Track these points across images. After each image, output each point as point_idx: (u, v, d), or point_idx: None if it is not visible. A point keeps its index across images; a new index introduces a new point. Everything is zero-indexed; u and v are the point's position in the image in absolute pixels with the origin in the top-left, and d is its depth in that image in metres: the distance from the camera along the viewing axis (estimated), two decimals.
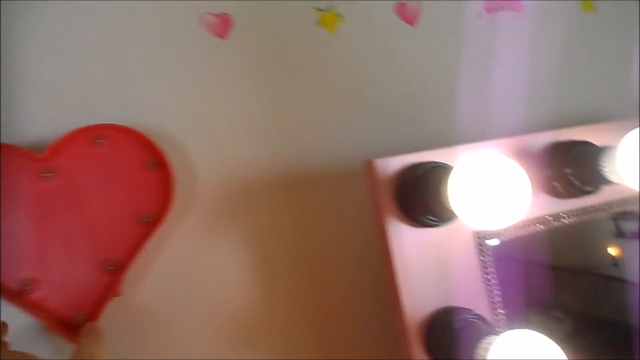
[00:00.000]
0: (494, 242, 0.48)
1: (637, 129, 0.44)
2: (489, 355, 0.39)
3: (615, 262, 0.65)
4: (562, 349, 0.38)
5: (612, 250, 0.65)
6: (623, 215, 0.63)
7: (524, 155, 0.50)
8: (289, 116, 0.59)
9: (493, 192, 0.38)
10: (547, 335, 0.39)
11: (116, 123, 0.52)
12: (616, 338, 0.61)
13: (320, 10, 0.61)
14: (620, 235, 0.63)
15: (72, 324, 0.50)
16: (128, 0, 0.55)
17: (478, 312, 0.47)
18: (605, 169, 0.45)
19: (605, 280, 0.63)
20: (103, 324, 0.50)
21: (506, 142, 0.49)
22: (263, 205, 0.58)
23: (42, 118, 0.52)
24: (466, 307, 0.47)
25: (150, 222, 0.53)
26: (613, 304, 0.63)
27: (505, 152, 0.47)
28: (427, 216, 0.45)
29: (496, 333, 0.43)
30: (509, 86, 0.60)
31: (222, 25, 0.59)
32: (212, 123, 0.58)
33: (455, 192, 0.39)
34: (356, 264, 0.58)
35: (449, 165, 0.45)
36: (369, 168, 0.48)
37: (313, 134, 0.59)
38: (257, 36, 0.59)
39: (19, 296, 0.48)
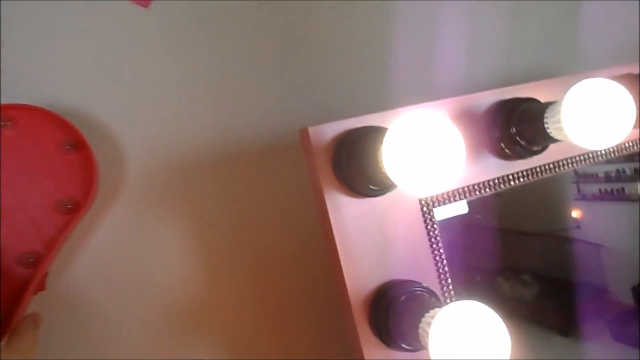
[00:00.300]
0: (441, 210, 0.46)
1: (581, 83, 0.41)
2: (431, 329, 0.37)
3: (577, 224, 0.64)
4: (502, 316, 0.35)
5: (575, 213, 0.65)
6: (584, 178, 0.62)
7: (468, 116, 0.47)
8: (220, 88, 0.55)
9: (427, 154, 0.35)
10: (493, 303, 0.37)
11: (23, 103, 0.47)
12: (580, 298, 0.61)
13: None
14: (581, 197, 0.63)
15: None
16: None
17: (425, 284, 0.44)
18: (549, 127, 0.43)
19: (568, 243, 0.62)
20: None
21: (449, 102, 0.46)
22: (198, 184, 0.54)
23: None
24: (413, 279, 0.45)
25: (71, 208, 0.48)
26: (576, 265, 0.63)
27: (448, 113, 0.44)
28: (367, 185, 0.42)
29: (441, 305, 0.40)
30: (452, 45, 0.56)
31: None
32: (136, 99, 0.53)
33: (390, 156, 0.36)
34: (301, 241, 0.55)
35: (385, 128, 0.42)
36: (304, 136, 0.44)
37: (246, 105, 0.55)
38: (181, 3, 0.54)
39: None
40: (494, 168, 0.49)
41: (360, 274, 0.44)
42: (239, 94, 0.55)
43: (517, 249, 0.63)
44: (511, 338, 0.36)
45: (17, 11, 0.49)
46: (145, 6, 0.54)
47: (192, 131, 0.54)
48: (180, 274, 0.53)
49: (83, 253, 0.51)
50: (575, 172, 0.62)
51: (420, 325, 0.39)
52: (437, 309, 0.38)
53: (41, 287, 0.47)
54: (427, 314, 0.39)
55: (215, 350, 0.53)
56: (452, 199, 0.46)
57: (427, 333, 0.37)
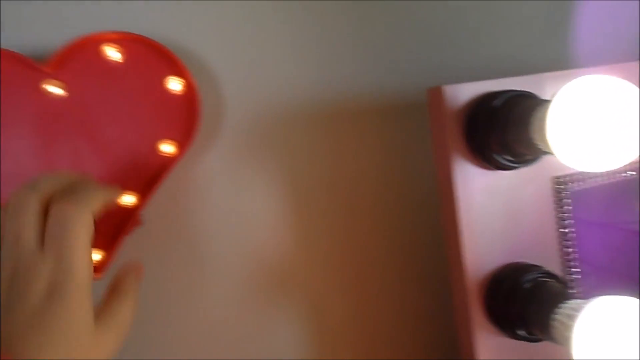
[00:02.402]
0: (578, 190, 0.41)
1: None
2: (577, 324, 0.33)
3: None
4: None
5: None
6: None
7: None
8: (336, 36, 0.50)
9: (605, 125, 0.30)
10: None
11: (133, 32, 0.44)
12: None
13: None
14: None
15: None
16: None
17: (550, 270, 0.40)
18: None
19: None
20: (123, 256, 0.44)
21: (619, 68, 0.40)
22: (301, 138, 0.50)
23: (46, 22, 0.44)
24: (536, 264, 0.41)
25: (171, 149, 0.46)
26: None
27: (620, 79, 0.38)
28: (504, 156, 0.38)
29: (576, 296, 0.36)
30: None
31: None
32: (243, 42, 0.49)
33: (557, 126, 0.31)
34: (406, 210, 0.52)
35: (536, 95, 0.37)
36: (434, 96, 0.40)
37: (364, 57, 0.50)
38: None
39: None
40: None
41: (481, 252, 0.40)
42: (358, 44, 0.50)
43: None
44: None
45: None
46: None
47: (300, 81, 0.50)
48: (272, 227, 0.50)
49: (177, 197, 0.49)
50: None
51: (556, 316, 0.35)
52: (579, 301, 0.34)
53: (137, 222, 0.46)
54: (564, 305, 0.35)
55: (300, 313, 0.51)
56: (591, 179, 0.41)
57: (566, 326, 0.33)
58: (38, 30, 0.44)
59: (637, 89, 0.30)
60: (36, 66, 0.42)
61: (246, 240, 0.50)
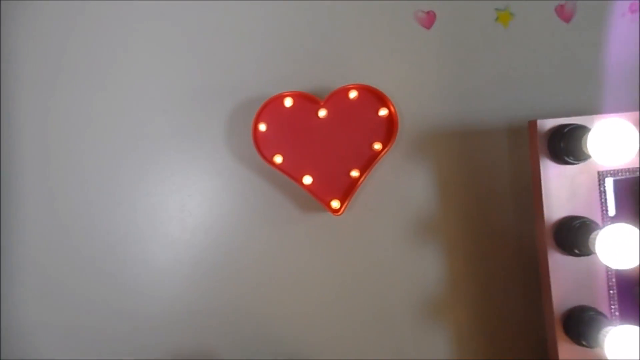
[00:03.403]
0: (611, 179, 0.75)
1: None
2: (598, 242, 0.67)
3: None
4: None
5: None
6: None
7: None
8: (470, 83, 0.87)
9: (616, 141, 0.65)
10: None
11: (362, 83, 0.83)
12: None
13: (498, 9, 0.87)
14: None
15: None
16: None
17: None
18: None
19: None
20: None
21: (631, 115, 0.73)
22: (444, 147, 0.87)
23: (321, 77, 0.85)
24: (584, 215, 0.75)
25: (378, 149, 0.84)
26: None
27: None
28: (569, 157, 0.72)
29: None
30: None
31: (428, 19, 0.87)
32: (415, 86, 0.87)
33: (593, 141, 0.66)
34: (510, 196, 0.87)
35: (585, 126, 0.72)
36: (532, 125, 0.75)
37: (487, 96, 0.87)
38: (452, 27, 0.87)
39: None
40: None
41: (553, 209, 0.75)
42: (483, 90, 0.87)
43: None
44: None
45: (355, 39, 0.86)
46: (427, 28, 0.87)
47: (446, 110, 0.87)
48: (423, 202, 0.87)
49: (372, 178, 0.87)
50: None
51: (591, 240, 0.69)
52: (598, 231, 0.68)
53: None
54: (594, 234, 0.69)
55: (436, 255, 0.88)
56: (623, 172, 0.75)
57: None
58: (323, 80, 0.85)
59: (632, 126, 0.65)
60: (316, 100, 0.83)
61: (408, 203, 0.87)
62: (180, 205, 0.86)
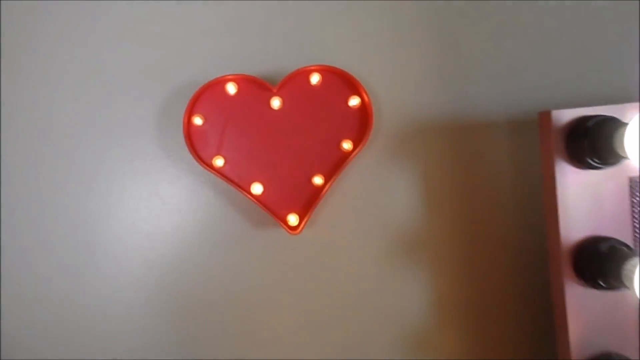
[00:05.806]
0: None
1: None
2: (636, 274, 0.50)
3: None
4: None
5: None
6: None
7: None
8: (466, 65, 0.69)
9: None
10: None
11: (327, 64, 0.65)
12: None
13: None
14: None
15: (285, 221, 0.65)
16: None
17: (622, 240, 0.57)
18: None
19: None
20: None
21: None
22: (433, 144, 0.70)
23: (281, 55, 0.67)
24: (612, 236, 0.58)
25: (350, 147, 0.66)
26: None
27: None
28: (593, 159, 0.55)
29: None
30: None
31: None
32: (395, 69, 0.69)
33: (632, 139, 0.49)
34: (513, 205, 0.70)
35: (617, 118, 0.54)
36: (544, 117, 0.58)
37: (486, 82, 0.69)
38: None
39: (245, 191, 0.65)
40: None
41: (572, 227, 0.58)
42: (483, 73, 0.69)
43: None
44: None
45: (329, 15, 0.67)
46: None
47: (435, 100, 0.69)
48: (406, 214, 0.70)
49: (344, 182, 0.69)
50: None
51: (623, 271, 0.52)
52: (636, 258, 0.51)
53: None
54: (630, 262, 0.52)
55: (422, 277, 0.70)
56: None
57: (630, 274, 0.51)
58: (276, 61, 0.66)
59: None
60: (268, 86, 0.64)
61: (387, 216, 0.69)
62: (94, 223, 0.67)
